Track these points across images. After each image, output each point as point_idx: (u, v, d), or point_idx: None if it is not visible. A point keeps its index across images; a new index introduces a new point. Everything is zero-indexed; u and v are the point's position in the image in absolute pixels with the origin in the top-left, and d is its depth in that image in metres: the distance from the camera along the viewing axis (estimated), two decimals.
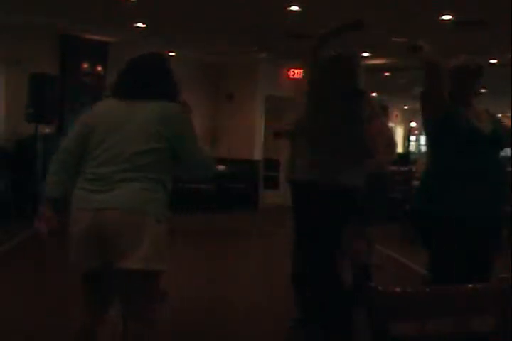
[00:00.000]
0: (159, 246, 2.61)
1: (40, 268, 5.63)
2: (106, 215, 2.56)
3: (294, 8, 7.37)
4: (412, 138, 22.30)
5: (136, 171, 2.62)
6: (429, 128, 3.33)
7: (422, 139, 19.95)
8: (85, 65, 9.68)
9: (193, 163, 2.79)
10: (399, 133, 20.60)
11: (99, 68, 9.78)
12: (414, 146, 22.21)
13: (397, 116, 20.25)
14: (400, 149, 18.89)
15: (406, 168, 9.56)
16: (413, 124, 21.71)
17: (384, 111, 5.72)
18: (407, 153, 17.32)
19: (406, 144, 21.42)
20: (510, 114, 21.93)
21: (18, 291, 4.88)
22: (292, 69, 11.67)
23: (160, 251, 2.62)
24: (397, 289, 1.74)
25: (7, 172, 8.46)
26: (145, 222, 2.57)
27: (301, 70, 11.66)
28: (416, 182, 6.77)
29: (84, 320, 2.80)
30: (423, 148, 19.57)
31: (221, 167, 10.95)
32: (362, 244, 4.32)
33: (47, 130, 8.85)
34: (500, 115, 24.99)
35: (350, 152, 3.79)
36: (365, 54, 10.62)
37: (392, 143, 4.60)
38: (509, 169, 7.16)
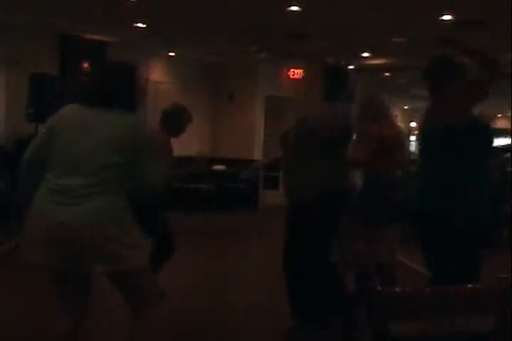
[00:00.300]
0: (135, 246, 2.72)
1: (40, 268, 5.63)
2: (73, 230, 2.60)
3: (294, 8, 7.36)
4: (412, 138, 22.28)
5: (102, 185, 2.65)
6: (427, 129, 3.33)
7: None
8: (85, 65, 9.68)
9: (146, 176, 2.78)
10: None
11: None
12: (415, 146, 22.21)
13: (397, 116, 20.25)
14: None
15: None
16: (413, 124, 21.70)
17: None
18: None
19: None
20: (510, 114, 21.91)
21: (18, 291, 4.88)
22: (292, 70, 11.67)
23: (136, 250, 2.72)
24: (397, 289, 1.74)
25: (7, 172, 8.45)
26: (113, 233, 2.64)
27: (301, 70, 11.67)
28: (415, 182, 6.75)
29: (65, 322, 2.87)
30: None
31: (221, 167, 10.96)
32: (362, 243, 4.33)
33: None
34: (500, 115, 24.91)
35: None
36: (365, 54, 10.62)
37: (394, 146, 4.52)
38: (509, 169, 7.17)
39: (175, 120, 4.62)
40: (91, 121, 2.75)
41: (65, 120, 2.80)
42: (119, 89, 2.84)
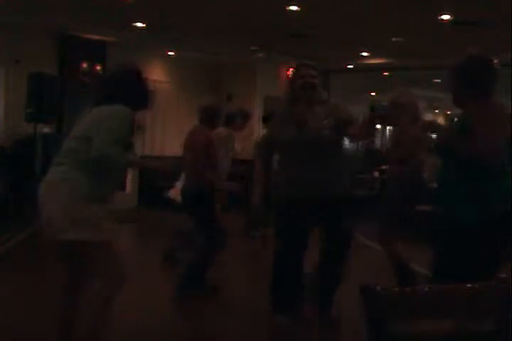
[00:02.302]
0: (77, 219, 2.96)
1: (39, 268, 5.63)
2: (40, 198, 3.06)
3: (294, 8, 7.36)
4: None
5: (63, 157, 3.07)
6: None
7: None
8: (84, 65, 9.67)
9: (94, 153, 3.00)
10: None
11: (98, 68, 9.77)
12: None
13: None
14: None
15: None
16: None
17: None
18: None
19: None
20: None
21: (18, 291, 4.87)
22: (291, 69, 11.65)
23: (78, 223, 2.96)
24: (397, 289, 1.74)
25: (6, 171, 8.45)
26: (59, 198, 2.97)
27: None
28: None
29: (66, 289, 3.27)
30: None
31: None
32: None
33: (46, 129, 8.84)
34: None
35: None
36: (365, 54, 10.63)
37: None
38: (509, 168, 7.04)
39: (217, 114, 5.03)
40: (89, 114, 3.17)
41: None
42: (118, 88, 3.18)
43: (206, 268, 4.87)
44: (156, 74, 11.02)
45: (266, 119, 7.64)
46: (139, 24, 8.77)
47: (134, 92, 3.21)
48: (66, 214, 2.95)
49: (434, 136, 3.50)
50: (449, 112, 19.37)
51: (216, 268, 5.05)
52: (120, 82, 3.23)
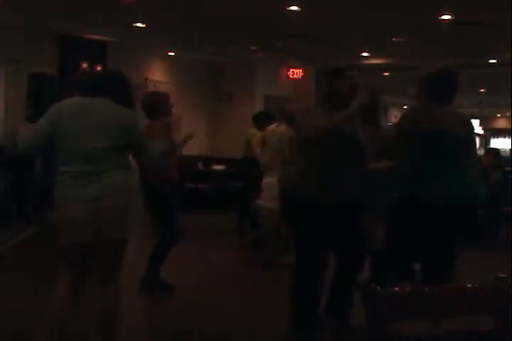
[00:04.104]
0: (129, 217, 3.22)
1: (40, 268, 5.63)
2: (94, 205, 3.06)
3: (294, 8, 7.37)
4: None
5: (108, 165, 3.10)
6: None
7: None
8: (84, 65, 9.67)
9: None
10: None
11: (99, 68, 9.77)
12: None
13: (396, 116, 20.28)
14: None
15: None
16: None
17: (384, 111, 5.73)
18: None
19: None
20: (509, 114, 21.92)
21: (18, 291, 4.88)
22: (291, 69, 11.67)
23: (127, 222, 3.24)
24: (397, 289, 1.74)
25: (6, 172, 8.45)
26: (120, 205, 3.12)
27: (301, 70, 11.68)
28: None
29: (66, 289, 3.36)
30: None
31: (221, 167, 10.95)
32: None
33: None
34: (499, 115, 24.84)
35: None
36: (365, 54, 10.63)
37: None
38: (509, 169, 7.18)
39: (157, 107, 4.86)
40: (87, 110, 3.19)
41: (66, 112, 3.27)
42: (109, 81, 3.34)
43: (159, 265, 4.91)
44: (156, 75, 11.03)
45: (257, 118, 7.60)
46: (140, 24, 8.77)
47: (125, 92, 3.36)
48: (126, 215, 3.17)
49: None
50: None
51: None
52: (113, 80, 3.38)
